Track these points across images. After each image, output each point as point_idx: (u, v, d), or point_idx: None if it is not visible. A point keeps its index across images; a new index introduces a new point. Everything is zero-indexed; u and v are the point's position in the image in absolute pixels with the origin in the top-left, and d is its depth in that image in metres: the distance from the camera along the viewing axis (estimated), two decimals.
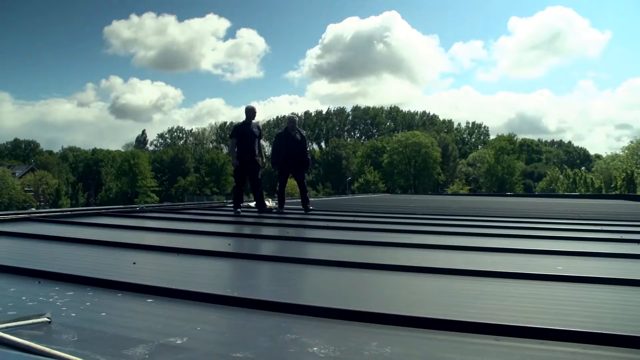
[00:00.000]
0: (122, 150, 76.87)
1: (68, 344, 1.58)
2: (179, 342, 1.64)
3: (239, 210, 7.67)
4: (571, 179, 43.66)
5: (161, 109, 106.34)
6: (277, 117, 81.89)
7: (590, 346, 1.65)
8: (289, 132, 8.06)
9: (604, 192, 37.04)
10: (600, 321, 1.94)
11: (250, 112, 7.87)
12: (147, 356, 1.50)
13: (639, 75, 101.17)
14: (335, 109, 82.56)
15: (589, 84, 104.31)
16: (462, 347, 1.65)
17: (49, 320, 1.79)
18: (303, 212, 7.97)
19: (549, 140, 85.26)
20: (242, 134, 7.75)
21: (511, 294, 2.49)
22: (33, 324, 1.74)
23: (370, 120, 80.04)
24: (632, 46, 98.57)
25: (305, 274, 3.05)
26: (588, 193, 33.25)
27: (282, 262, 3.30)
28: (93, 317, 1.93)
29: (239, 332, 1.81)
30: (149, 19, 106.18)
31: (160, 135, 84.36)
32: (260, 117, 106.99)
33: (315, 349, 1.59)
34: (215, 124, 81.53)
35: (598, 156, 64.68)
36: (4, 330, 1.60)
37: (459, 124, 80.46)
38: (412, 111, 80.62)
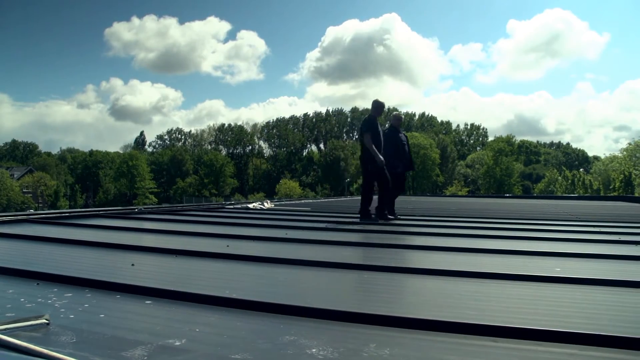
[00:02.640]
0: (121, 151, 76.84)
1: (66, 346, 1.58)
2: (177, 343, 1.65)
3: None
4: (569, 181, 43.75)
5: (161, 111, 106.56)
6: (277, 118, 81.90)
7: (588, 347, 1.65)
8: (398, 131, 7.29)
9: (602, 193, 37.17)
10: (598, 322, 1.94)
11: (380, 108, 6.85)
12: (145, 358, 1.50)
13: (637, 77, 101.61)
14: (334, 110, 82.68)
15: (587, 85, 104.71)
16: (461, 349, 1.66)
17: (47, 321, 1.79)
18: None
19: (547, 142, 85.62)
20: (375, 128, 6.65)
21: (509, 295, 2.50)
22: (31, 325, 1.74)
23: None
24: (630, 48, 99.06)
25: (303, 276, 3.05)
26: (586, 194, 33.32)
27: (281, 264, 3.30)
28: (91, 318, 1.93)
29: (237, 333, 1.81)
30: (150, 21, 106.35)
31: (159, 137, 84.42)
32: (259, 119, 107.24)
33: (313, 350, 1.60)
34: (214, 125, 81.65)
35: (596, 158, 64.89)
36: (3, 331, 1.60)
37: (458, 126, 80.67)
38: (410, 112, 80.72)
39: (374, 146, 6.44)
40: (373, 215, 6.73)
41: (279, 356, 1.56)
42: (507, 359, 1.58)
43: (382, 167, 6.54)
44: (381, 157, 6.45)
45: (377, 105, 6.83)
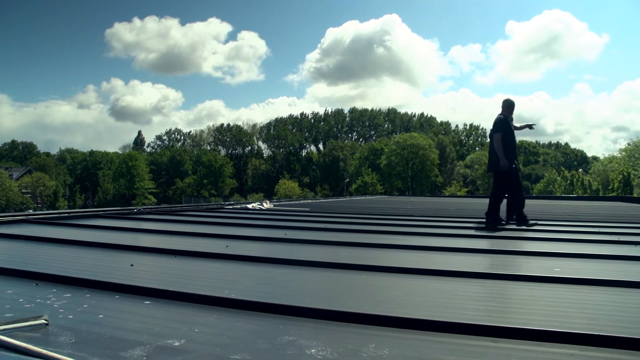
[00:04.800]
0: (119, 152, 76.73)
1: (65, 346, 1.58)
2: (176, 344, 1.64)
3: (501, 220, 6.35)
4: (568, 181, 43.74)
5: (161, 111, 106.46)
6: (276, 118, 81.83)
7: (587, 348, 1.65)
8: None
9: (601, 194, 37.14)
10: (598, 323, 1.95)
11: (512, 107, 6.35)
12: (144, 358, 1.50)
13: (636, 78, 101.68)
14: (333, 110, 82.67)
15: (585, 86, 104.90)
16: (460, 349, 1.66)
17: (46, 322, 1.78)
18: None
19: (546, 143, 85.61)
20: (508, 129, 6.19)
21: (508, 295, 2.50)
22: (30, 326, 1.74)
23: (368, 122, 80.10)
24: (629, 49, 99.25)
25: (302, 276, 3.05)
26: (585, 195, 33.36)
27: (280, 264, 3.30)
28: (90, 319, 1.92)
29: (236, 334, 1.81)
30: (151, 22, 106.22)
31: (158, 137, 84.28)
32: (259, 119, 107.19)
33: (313, 350, 1.59)
34: (213, 125, 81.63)
35: (595, 158, 64.99)
36: (2, 332, 1.59)
37: (457, 126, 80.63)
38: (410, 113, 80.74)
39: (502, 148, 6.04)
40: (503, 221, 6.34)
41: (278, 356, 1.56)
42: (507, 359, 1.58)
43: (509, 170, 6.16)
44: (506, 160, 6.08)
45: (509, 104, 6.30)
